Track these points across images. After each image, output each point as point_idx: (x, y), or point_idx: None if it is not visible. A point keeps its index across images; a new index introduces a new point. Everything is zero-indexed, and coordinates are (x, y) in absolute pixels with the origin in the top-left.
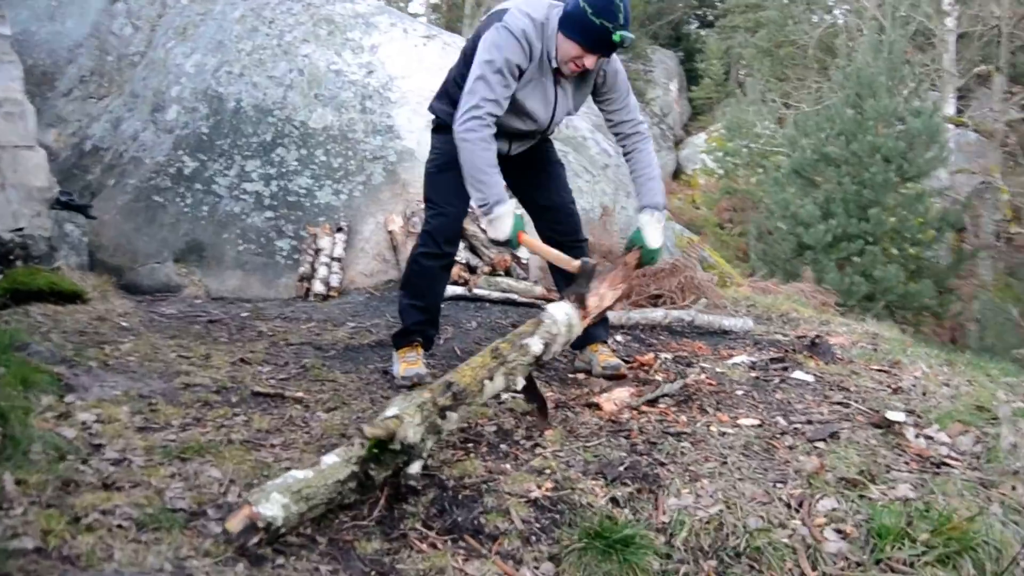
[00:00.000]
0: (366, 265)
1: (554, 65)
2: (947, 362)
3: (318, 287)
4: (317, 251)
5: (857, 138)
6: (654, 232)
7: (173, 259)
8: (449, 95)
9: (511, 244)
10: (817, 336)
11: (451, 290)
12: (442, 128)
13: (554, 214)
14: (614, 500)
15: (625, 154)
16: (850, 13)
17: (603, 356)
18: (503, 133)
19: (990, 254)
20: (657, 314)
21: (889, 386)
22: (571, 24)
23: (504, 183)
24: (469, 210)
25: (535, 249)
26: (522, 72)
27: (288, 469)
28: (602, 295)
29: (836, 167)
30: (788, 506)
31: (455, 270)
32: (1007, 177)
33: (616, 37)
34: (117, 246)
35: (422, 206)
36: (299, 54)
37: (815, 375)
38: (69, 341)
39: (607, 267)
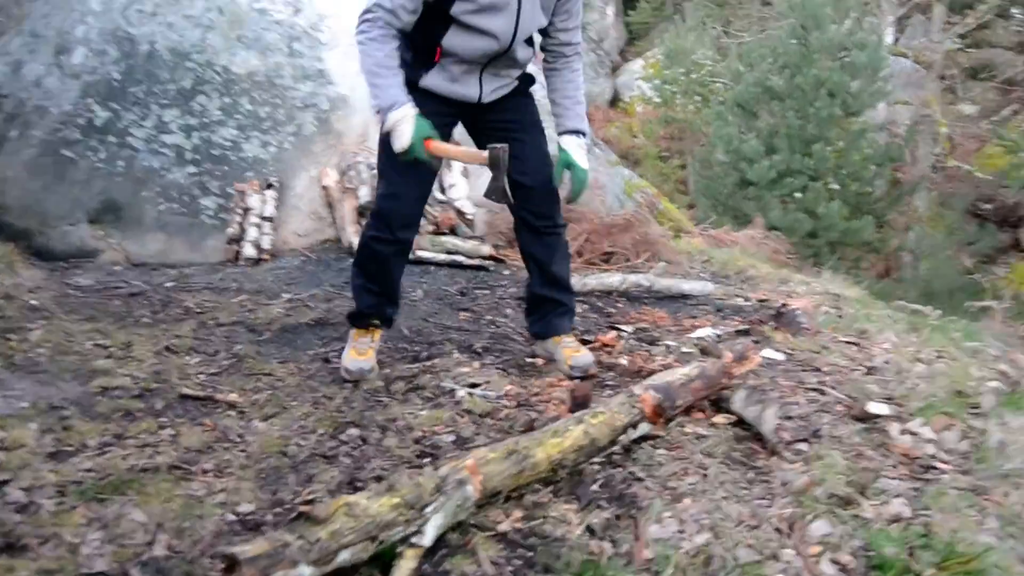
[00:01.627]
0: (300, 224)
1: None
2: (912, 327)
3: (248, 250)
4: (246, 210)
5: (802, 71)
6: (582, 156)
7: (87, 220)
8: (404, 46)
9: (413, 153)
10: (783, 304)
11: None
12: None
13: (528, 192)
14: (590, 530)
15: (551, 71)
16: None
17: (569, 351)
18: (466, 62)
19: (926, 186)
20: (614, 279)
21: (862, 364)
22: None
23: (402, 86)
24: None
25: (442, 152)
26: None
27: (223, 504)
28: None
29: (780, 101)
30: (779, 531)
31: None
32: (944, 108)
33: None
34: (24, 207)
35: (359, 158)
36: None
37: (785, 352)
38: None
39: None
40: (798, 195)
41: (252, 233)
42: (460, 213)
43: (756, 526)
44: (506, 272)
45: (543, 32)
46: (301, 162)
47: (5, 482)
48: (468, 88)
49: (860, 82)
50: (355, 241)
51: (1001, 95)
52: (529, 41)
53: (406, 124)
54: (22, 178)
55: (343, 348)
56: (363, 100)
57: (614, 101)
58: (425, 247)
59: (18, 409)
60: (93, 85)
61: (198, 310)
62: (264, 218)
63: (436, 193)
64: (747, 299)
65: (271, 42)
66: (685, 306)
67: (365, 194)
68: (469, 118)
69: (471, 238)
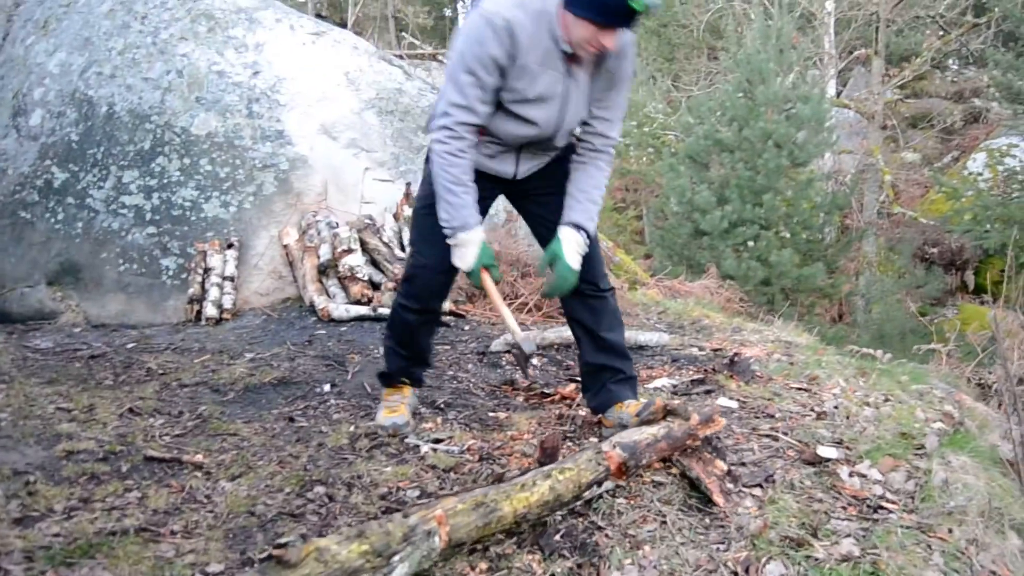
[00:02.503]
0: (261, 283)
1: (567, 50)
2: (860, 372)
3: (210, 310)
4: (207, 270)
5: (749, 124)
6: (574, 255)
7: (46, 282)
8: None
9: (472, 277)
10: (736, 354)
11: (353, 310)
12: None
13: None
14: None
15: (578, 163)
16: None
17: (632, 407)
18: (504, 145)
19: (873, 232)
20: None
21: (813, 409)
22: (577, 2)
23: (474, 205)
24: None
25: (490, 297)
26: (501, 67)
27: (193, 564)
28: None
29: (729, 153)
30: (735, 574)
31: (356, 288)
32: (887, 157)
33: (637, 5)
34: None
35: (318, 217)
36: (177, 53)
37: (739, 400)
38: None
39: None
40: (751, 244)
41: (213, 293)
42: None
43: (713, 570)
44: (466, 327)
45: (585, 125)
46: (261, 221)
47: None
48: (504, 166)
49: (805, 133)
50: (316, 300)
51: (941, 143)
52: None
53: (472, 248)
54: None
55: (307, 407)
56: (322, 160)
57: None
58: (386, 304)
59: None
60: (52, 147)
61: (160, 371)
62: (225, 278)
63: (396, 250)
64: (702, 348)
65: (230, 104)
66: (642, 357)
67: (325, 252)
68: (505, 188)
69: None
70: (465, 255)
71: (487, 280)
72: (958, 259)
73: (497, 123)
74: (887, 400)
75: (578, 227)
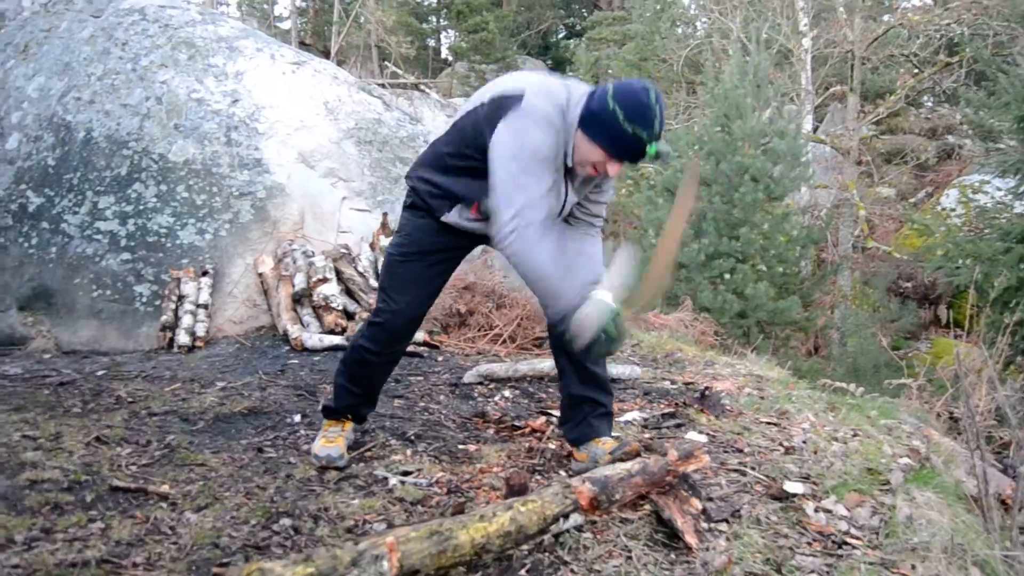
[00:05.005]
0: (235, 311)
1: (569, 164)
2: (830, 406)
3: (183, 337)
4: (180, 297)
5: (726, 158)
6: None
7: (17, 307)
8: (434, 170)
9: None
10: (706, 388)
11: (327, 340)
12: (417, 208)
13: None
14: None
15: (572, 232)
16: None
17: (608, 445)
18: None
19: (849, 266)
20: (545, 365)
21: (781, 444)
22: (596, 126)
23: (570, 278)
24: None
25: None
26: (555, 157)
27: None
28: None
29: (707, 186)
30: None
31: (330, 318)
32: (862, 192)
33: (651, 150)
34: None
35: (294, 246)
36: (156, 80)
37: (708, 433)
38: None
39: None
40: (727, 276)
41: (187, 320)
42: None
43: None
44: (440, 359)
45: (577, 204)
46: (237, 249)
47: None
48: (488, 228)
49: (781, 168)
50: (290, 329)
51: (915, 178)
52: None
53: (587, 322)
54: None
55: (277, 437)
56: (300, 188)
57: None
58: None
59: None
60: (27, 171)
61: (130, 399)
62: (199, 305)
63: (371, 280)
64: (674, 382)
65: (208, 131)
66: (615, 390)
67: (300, 281)
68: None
69: None
70: (582, 332)
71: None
72: (931, 294)
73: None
74: (855, 435)
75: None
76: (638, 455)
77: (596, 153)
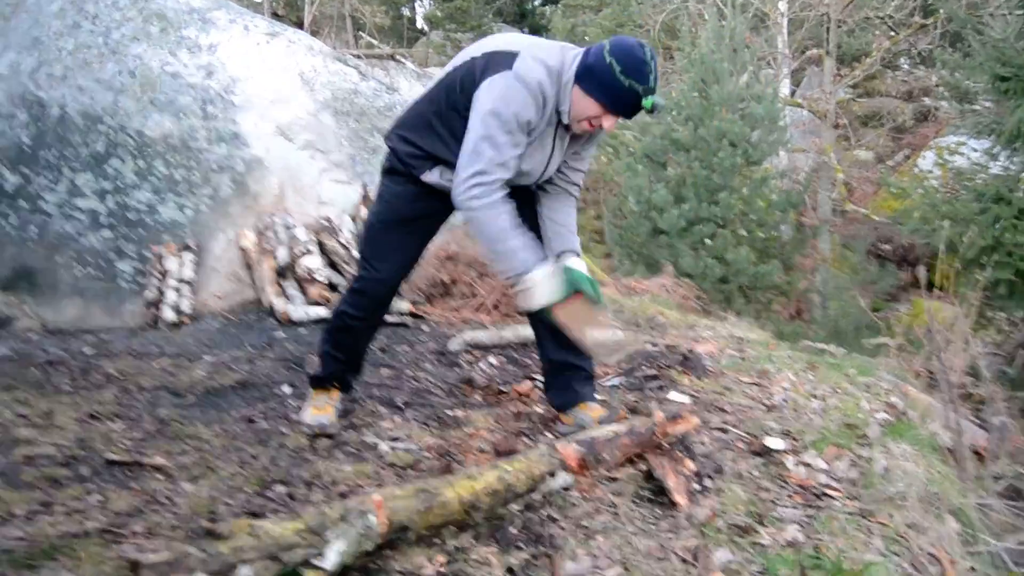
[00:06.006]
0: (219, 286)
1: (565, 121)
2: (809, 366)
3: (168, 313)
4: (164, 273)
5: (704, 123)
6: (584, 271)
7: (1, 288)
8: (415, 131)
9: (544, 314)
10: (689, 350)
11: (312, 312)
12: (396, 172)
13: None
14: (511, 570)
15: (554, 199)
16: None
17: (596, 412)
18: None
19: (828, 229)
20: (529, 331)
21: (762, 402)
22: (594, 81)
23: (527, 244)
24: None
25: (568, 330)
26: (532, 129)
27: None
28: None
29: (686, 151)
30: (684, 560)
31: (315, 290)
32: (840, 155)
33: (647, 103)
34: None
35: (275, 219)
36: (129, 54)
37: (691, 394)
38: None
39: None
40: (708, 242)
41: (171, 296)
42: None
43: (663, 557)
44: (425, 328)
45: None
46: (218, 224)
47: None
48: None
49: (759, 132)
50: (276, 303)
51: (893, 141)
52: None
53: (540, 288)
54: None
55: (267, 408)
56: (279, 161)
57: None
58: None
59: None
60: (2, 150)
61: (119, 376)
62: (183, 281)
63: (354, 252)
64: (655, 345)
65: (184, 105)
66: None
67: (283, 254)
68: None
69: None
70: (531, 296)
71: (559, 314)
72: (910, 255)
73: None
74: (834, 392)
75: (576, 253)
76: (624, 417)
77: (593, 107)
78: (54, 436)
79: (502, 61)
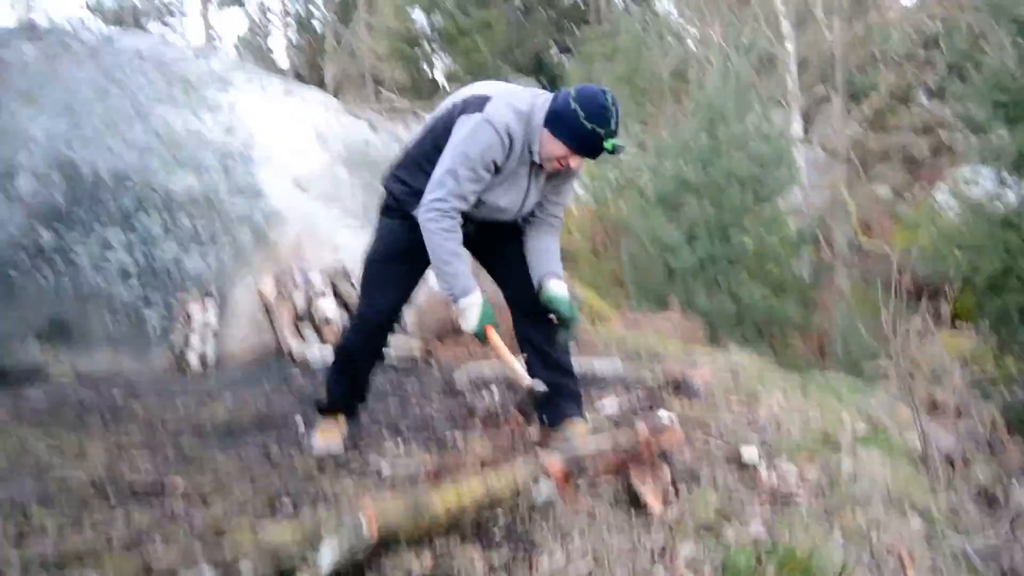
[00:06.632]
0: (240, 331)
1: (536, 160)
2: (801, 387)
3: (192, 358)
4: (188, 320)
5: (713, 163)
6: (563, 291)
7: (36, 338)
8: (407, 171)
9: (478, 336)
10: (681, 376)
11: (327, 352)
12: (392, 211)
13: (519, 284)
14: (492, 567)
15: (535, 230)
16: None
17: (581, 428)
18: (470, 221)
19: (846, 265)
20: None
21: (746, 419)
22: (559, 125)
23: (469, 272)
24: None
25: (496, 351)
26: (498, 168)
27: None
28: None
29: (696, 192)
30: (652, 555)
31: (329, 332)
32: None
33: (608, 145)
34: None
35: (292, 265)
36: (154, 115)
37: (679, 414)
38: None
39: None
40: (721, 280)
41: (195, 342)
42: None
43: (633, 554)
44: (434, 365)
45: (538, 204)
46: (239, 272)
47: None
48: (464, 230)
49: (768, 171)
50: (293, 345)
51: (909, 174)
52: None
53: (475, 310)
54: None
55: (281, 439)
56: (295, 212)
57: None
58: None
59: None
60: (38, 209)
61: (145, 415)
62: (206, 327)
63: None
64: (652, 372)
65: (206, 162)
66: (595, 381)
67: (299, 299)
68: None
69: (401, 334)
70: (469, 317)
71: (492, 335)
72: (929, 289)
73: (471, 210)
74: (819, 410)
75: (557, 275)
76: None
77: (560, 148)
78: (84, 465)
79: (476, 104)
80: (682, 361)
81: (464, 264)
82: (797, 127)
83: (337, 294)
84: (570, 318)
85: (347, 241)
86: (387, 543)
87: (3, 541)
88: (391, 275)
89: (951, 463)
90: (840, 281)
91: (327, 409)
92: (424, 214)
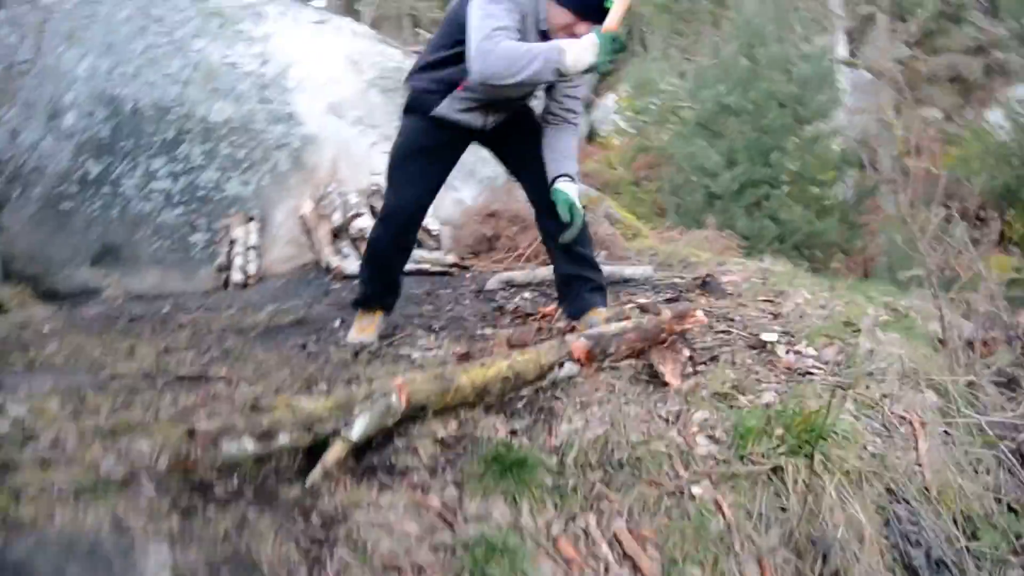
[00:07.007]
0: (281, 251)
1: (543, 28)
2: (830, 287)
3: (236, 276)
4: (232, 242)
5: (753, 86)
6: (576, 197)
7: (89, 263)
8: (427, 66)
9: (600, 65)
10: (708, 275)
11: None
12: (413, 110)
13: (537, 181)
14: (512, 432)
15: (552, 128)
16: None
17: (604, 315)
18: (477, 101)
19: (891, 188)
20: None
21: (771, 313)
22: None
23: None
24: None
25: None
26: (518, 19)
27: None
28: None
29: (736, 116)
30: (666, 421)
31: (364, 246)
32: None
33: (608, 3)
34: (30, 256)
35: (330, 188)
36: (192, 50)
37: (704, 310)
38: None
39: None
40: (763, 203)
41: (238, 261)
42: (426, 230)
43: (648, 419)
44: (468, 275)
45: (550, 95)
46: (279, 196)
47: (35, 434)
48: (474, 119)
49: (809, 93)
50: (332, 261)
51: (960, 96)
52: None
53: (585, 51)
54: (27, 231)
55: (319, 338)
56: (331, 137)
57: (591, 137)
58: None
59: (42, 391)
60: (85, 143)
61: (192, 323)
62: (249, 248)
63: None
64: (682, 278)
65: (243, 91)
66: (626, 287)
67: (338, 218)
68: (477, 138)
69: (436, 249)
70: (579, 60)
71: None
72: (979, 211)
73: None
74: (844, 303)
75: (571, 177)
76: (628, 319)
77: (564, 16)
78: (135, 362)
79: None
80: (713, 267)
81: (535, 47)
82: (842, 48)
83: (373, 213)
84: (569, 221)
85: (382, 163)
86: (415, 416)
87: (61, 417)
88: (415, 171)
89: (971, 346)
90: (886, 204)
91: (362, 305)
92: (476, 61)
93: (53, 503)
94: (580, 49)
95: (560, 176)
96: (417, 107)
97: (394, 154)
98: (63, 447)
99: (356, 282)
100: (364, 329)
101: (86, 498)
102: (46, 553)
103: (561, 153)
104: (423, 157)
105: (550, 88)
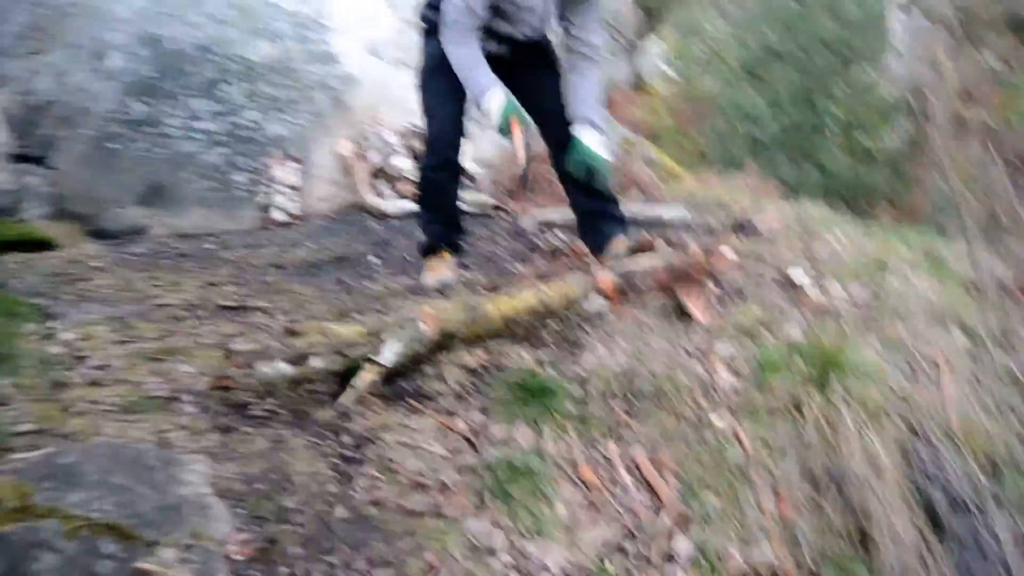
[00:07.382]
0: (321, 191)
1: None
2: (866, 232)
3: (278, 215)
4: (272, 181)
5: (799, 28)
6: (596, 142)
7: (136, 202)
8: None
9: (502, 132)
10: (745, 219)
11: (403, 205)
12: (427, 33)
13: (553, 117)
14: (539, 362)
15: (571, 69)
16: None
17: (623, 244)
18: (502, 39)
19: (942, 136)
20: None
21: (803, 253)
22: None
23: (486, 73)
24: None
25: (515, 135)
26: None
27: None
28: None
29: (781, 60)
30: (689, 353)
31: (404, 186)
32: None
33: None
34: (79, 195)
35: (368, 128)
36: None
37: (733, 248)
38: (45, 281)
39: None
40: (808, 150)
41: (279, 200)
42: (465, 173)
43: (673, 352)
44: (504, 215)
45: (566, 32)
46: (318, 136)
47: (84, 356)
48: (500, 49)
49: (857, 35)
50: (370, 200)
51: (1020, 42)
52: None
53: (495, 105)
54: (76, 171)
55: (356, 273)
56: (370, 77)
57: (636, 83)
58: None
59: (91, 319)
60: (129, 84)
61: (234, 260)
62: (289, 187)
63: None
64: (719, 221)
65: (282, 31)
66: (659, 225)
67: (376, 158)
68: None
69: (476, 192)
70: (492, 114)
71: (515, 129)
72: None
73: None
74: (878, 246)
75: (590, 122)
76: (652, 247)
77: None
78: (179, 294)
79: None
80: (751, 211)
81: (480, 67)
82: None
83: (412, 154)
84: (586, 173)
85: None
86: (444, 345)
87: (107, 344)
88: (443, 86)
89: (1006, 291)
90: (938, 154)
91: (429, 248)
92: (442, 36)
93: (100, 418)
94: (492, 110)
95: (580, 120)
96: (431, 31)
97: (421, 76)
98: (110, 368)
99: (419, 234)
100: (437, 270)
101: (131, 415)
102: (93, 460)
103: (581, 93)
104: (447, 73)
105: (564, 25)
